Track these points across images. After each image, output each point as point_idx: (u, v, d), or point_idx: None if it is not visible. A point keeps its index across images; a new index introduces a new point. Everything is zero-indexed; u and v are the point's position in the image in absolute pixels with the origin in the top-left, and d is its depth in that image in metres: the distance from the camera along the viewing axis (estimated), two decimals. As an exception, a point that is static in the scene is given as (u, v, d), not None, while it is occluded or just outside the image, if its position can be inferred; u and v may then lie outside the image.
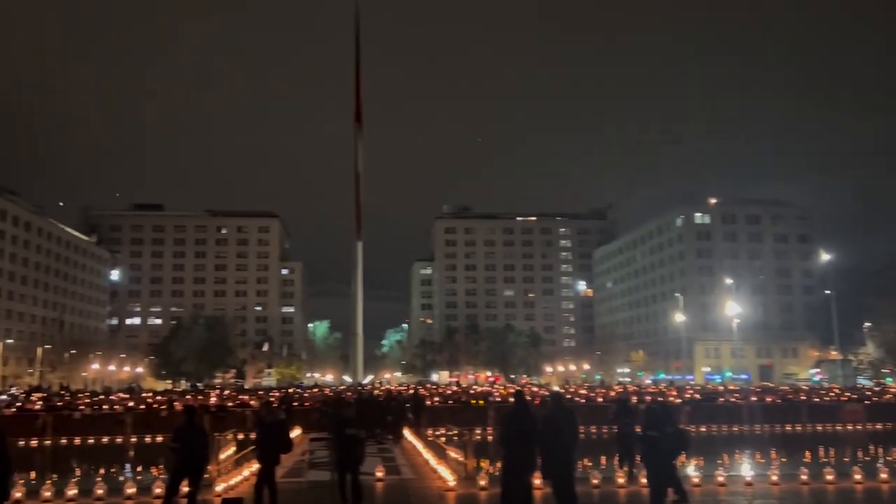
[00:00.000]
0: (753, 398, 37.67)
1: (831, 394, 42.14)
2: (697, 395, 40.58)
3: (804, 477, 14.94)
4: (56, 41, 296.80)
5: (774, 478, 14.93)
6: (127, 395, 43.66)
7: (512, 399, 32.84)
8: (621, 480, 14.74)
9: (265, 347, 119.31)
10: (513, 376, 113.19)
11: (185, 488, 12.29)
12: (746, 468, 16.77)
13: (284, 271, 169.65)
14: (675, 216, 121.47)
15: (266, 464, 11.50)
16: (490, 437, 27.46)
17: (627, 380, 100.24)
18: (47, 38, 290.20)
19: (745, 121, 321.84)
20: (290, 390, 49.19)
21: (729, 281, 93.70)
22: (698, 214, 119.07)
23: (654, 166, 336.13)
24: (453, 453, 17.26)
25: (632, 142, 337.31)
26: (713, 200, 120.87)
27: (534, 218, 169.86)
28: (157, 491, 13.32)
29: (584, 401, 36.43)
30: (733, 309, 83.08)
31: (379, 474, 16.15)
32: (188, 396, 41.21)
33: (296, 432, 25.06)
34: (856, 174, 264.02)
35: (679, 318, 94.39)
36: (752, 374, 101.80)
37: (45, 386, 69.94)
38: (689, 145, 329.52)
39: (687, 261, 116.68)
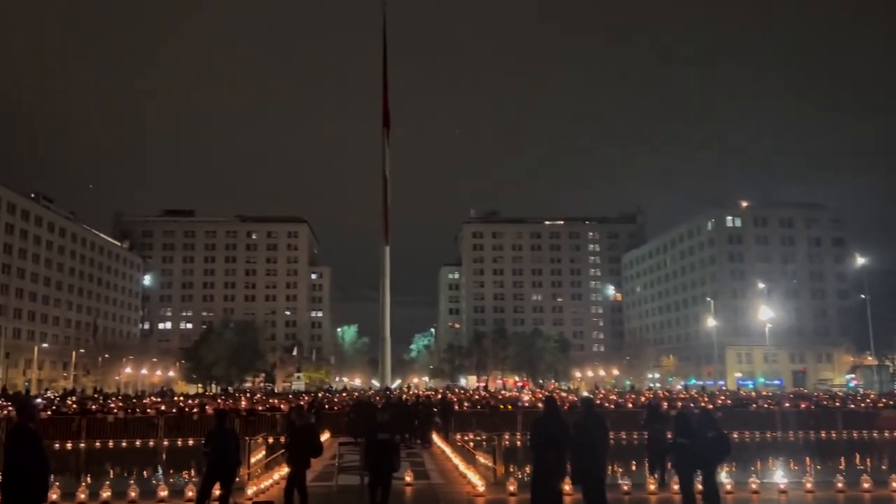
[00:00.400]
0: (787, 404, 37.03)
1: (867, 400, 41.32)
2: (729, 401, 40.05)
3: (840, 485, 14.66)
4: (81, 46, 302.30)
5: (809, 486, 14.68)
6: (159, 399, 44.21)
7: (541, 404, 32.68)
8: (652, 487, 14.59)
9: (294, 352, 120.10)
10: (541, 381, 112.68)
11: (216, 492, 12.40)
12: (780, 476, 16.50)
13: (313, 276, 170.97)
14: (706, 219, 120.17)
15: (296, 467, 11.55)
16: (519, 443, 27.34)
17: (658, 385, 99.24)
18: (74, 42, 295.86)
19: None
20: (320, 394, 49.45)
21: (761, 285, 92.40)
22: (729, 217, 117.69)
23: (683, 169, 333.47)
24: (482, 458, 17.23)
25: (660, 144, 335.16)
26: (744, 203, 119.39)
27: (561, 222, 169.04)
28: (189, 494, 13.46)
29: (613, 406, 36.11)
30: (766, 313, 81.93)
31: (408, 479, 16.15)
32: (219, 400, 41.62)
33: (325, 436, 25.17)
34: (891, 175, 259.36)
35: (710, 322, 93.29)
36: (785, 379, 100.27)
37: (78, 389, 71.12)
38: (709, 146, 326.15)
39: (718, 265, 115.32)
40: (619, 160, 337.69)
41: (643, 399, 40.95)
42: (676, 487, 14.54)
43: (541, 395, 43.53)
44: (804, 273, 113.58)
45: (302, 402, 35.74)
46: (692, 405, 35.76)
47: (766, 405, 36.84)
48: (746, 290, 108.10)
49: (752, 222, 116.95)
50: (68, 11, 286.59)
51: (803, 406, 36.69)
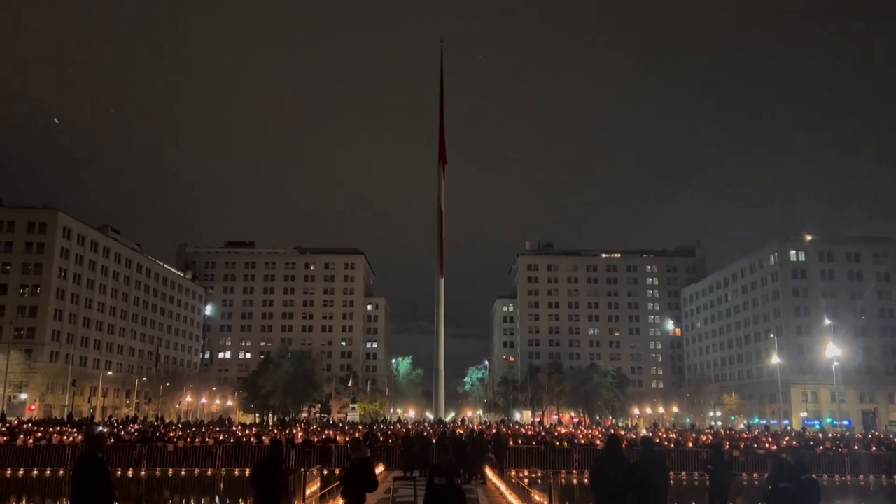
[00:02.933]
0: (856, 446, 35.52)
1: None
2: (795, 442, 38.61)
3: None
4: (147, 81, 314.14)
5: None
6: (218, 428, 44.91)
7: (599, 442, 32.02)
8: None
9: (350, 382, 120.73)
10: (598, 417, 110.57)
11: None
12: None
13: (369, 307, 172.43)
14: (769, 253, 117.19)
15: (351, 501, 11.56)
16: (575, 481, 26.83)
17: (719, 424, 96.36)
18: (143, 76, 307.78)
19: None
20: (374, 426, 49.53)
21: (827, 321, 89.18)
22: (793, 251, 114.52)
23: (746, 203, 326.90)
24: (537, 496, 16.93)
25: (720, 177, 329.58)
26: (809, 237, 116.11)
27: (618, 255, 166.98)
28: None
29: (673, 445, 35.17)
30: (833, 351, 78.74)
31: (462, 516, 15.96)
32: (275, 431, 42.06)
33: (379, 469, 25.15)
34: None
35: (774, 359, 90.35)
36: (854, 420, 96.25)
37: (140, 417, 72.74)
38: (781, 179, 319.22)
39: (782, 300, 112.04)
40: (679, 193, 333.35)
41: (703, 438, 39.82)
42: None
43: (597, 433, 42.73)
44: (873, 310, 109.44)
45: (357, 435, 35.85)
46: (755, 445, 34.61)
47: (834, 447, 35.37)
48: (811, 326, 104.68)
49: (818, 257, 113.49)
50: (130, 43, 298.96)
51: (874, 449, 35.11)
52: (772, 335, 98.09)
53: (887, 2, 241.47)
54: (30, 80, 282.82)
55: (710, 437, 40.40)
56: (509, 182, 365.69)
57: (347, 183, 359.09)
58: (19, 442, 31.81)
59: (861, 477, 28.29)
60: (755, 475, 26.99)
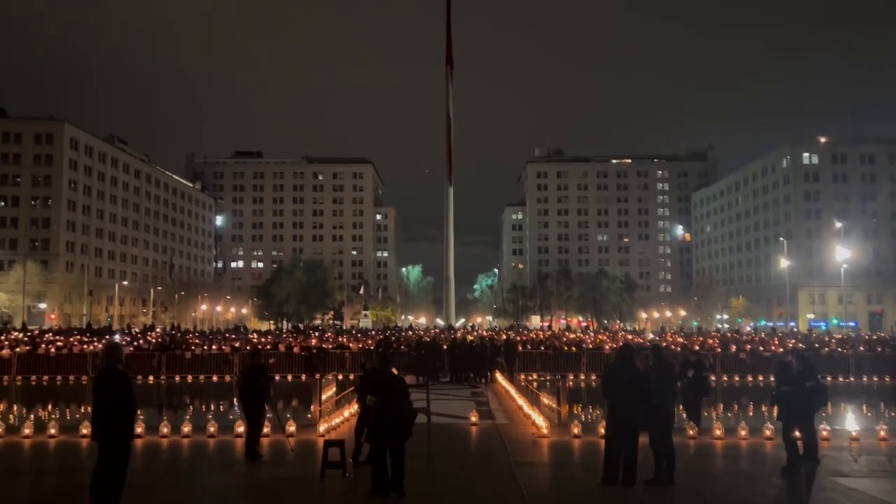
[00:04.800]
0: (862, 348, 35.97)
1: (949, 344, 39.68)
2: (801, 345, 39.12)
3: (916, 433, 14.31)
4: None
5: (883, 433, 14.34)
6: (234, 336, 45.94)
7: (608, 348, 32.55)
8: (718, 432, 14.48)
9: (361, 290, 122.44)
10: (606, 322, 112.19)
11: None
12: (852, 422, 16.16)
13: (378, 216, 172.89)
14: (781, 156, 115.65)
15: (365, 407, 11.87)
16: (583, 384, 27.48)
17: (726, 326, 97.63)
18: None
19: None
20: (388, 333, 50.48)
21: (838, 224, 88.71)
22: (806, 154, 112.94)
23: (758, 104, 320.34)
24: (546, 399, 17.36)
25: (733, 78, 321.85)
26: (823, 139, 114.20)
27: (629, 160, 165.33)
28: (265, 430, 14.04)
29: (679, 349, 35.74)
30: (842, 253, 78.58)
31: (473, 419, 16.46)
32: (290, 338, 42.95)
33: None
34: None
35: (783, 263, 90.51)
36: (860, 322, 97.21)
37: (158, 326, 74.31)
38: (796, 81, 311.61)
39: (793, 203, 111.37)
40: (691, 96, 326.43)
41: (710, 341, 40.39)
42: (719, 432, 14.47)
43: (605, 338, 43.43)
44: (885, 212, 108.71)
45: (370, 343, 36.61)
46: (762, 347, 35.12)
47: (839, 349, 35.83)
48: (822, 229, 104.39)
49: (831, 159, 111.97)
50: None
51: (879, 350, 35.57)
52: (781, 239, 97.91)
53: None
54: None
55: (717, 340, 40.99)
56: (520, 88, 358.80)
57: (357, 92, 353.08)
58: (41, 351, 32.68)
59: (865, 378, 28.79)
60: (760, 378, 27.53)
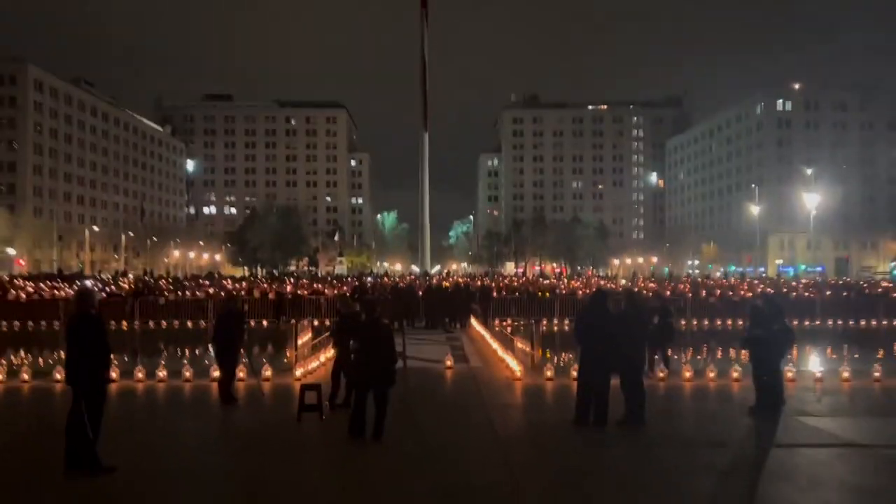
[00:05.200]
0: (828, 292, 36.73)
1: (911, 289, 40.67)
2: (770, 290, 39.86)
3: (877, 374, 14.72)
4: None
5: (846, 375, 14.75)
6: (207, 283, 45.68)
7: (580, 294, 32.88)
8: (687, 374, 14.81)
9: (336, 237, 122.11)
10: (580, 268, 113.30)
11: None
12: (816, 364, 16.59)
13: (353, 162, 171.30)
14: (755, 103, 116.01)
15: (341, 352, 11.95)
16: (556, 329, 27.83)
17: (696, 272, 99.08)
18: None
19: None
20: (363, 279, 50.57)
21: (808, 171, 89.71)
22: (780, 101, 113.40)
23: (735, 50, 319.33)
24: (520, 344, 17.57)
25: (710, 21, 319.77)
26: (796, 86, 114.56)
27: (605, 107, 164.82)
28: (241, 375, 14.09)
29: (651, 294, 36.25)
30: (811, 199, 79.65)
31: (448, 363, 16.65)
32: (264, 283, 42.85)
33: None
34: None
35: (754, 209, 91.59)
36: (827, 267, 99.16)
37: (130, 272, 73.66)
38: (774, 24, 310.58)
39: (765, 150, 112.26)
40: (668, 42, 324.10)
41: (681, 286, 41.02)
42: (688, 374, 14.81)
43: (578, 284, 43.89)
44: (854, 158, 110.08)
45: (345, 289, 36.64)
46: (731, 292, 35.75)
47: (806, 293, 36.57)
48: (793, 176, 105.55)
49: (804, 106, 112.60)
50: None
51: (844, 294, 36.33)
52: (753, 185, 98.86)
53: None
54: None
55: (688, 286, 41.61)
56: (495, 32, 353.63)
57: (330, 35, 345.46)
58: (11, 297, 32.26)
59: (830, 322, 29.47)
60: (729, 322, 28.04)
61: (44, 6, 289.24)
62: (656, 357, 15.33)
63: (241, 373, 13.79)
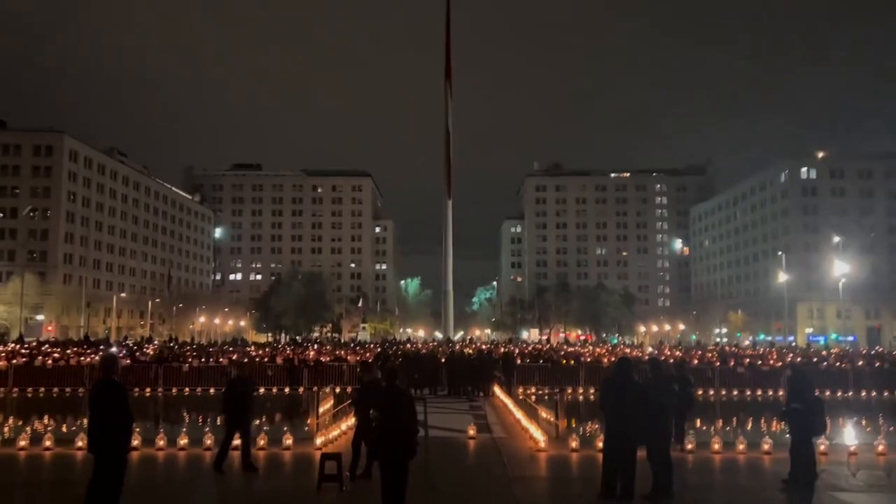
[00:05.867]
0: (860, 362, 35.93)
1: (947, 360, 39.59)
2: (799, 359, 39.05)
3: (914, 448, 14.27)
4: (149, 5, 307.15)
5: (881, 447, 14.30)
6: (231, 349, 45.79)
7: (606, 361, 32.46)
8: (717, 447, 14.43)
9: (360, 303, 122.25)
10: (605, 335, 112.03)
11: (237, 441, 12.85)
12: (851, 437, 16.12)
13: (377, 229, 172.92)
14: (780, 171, 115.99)
15: (362, 420, 11.84)
16: (581, 398, 27.42)
17: (724, 340, 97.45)
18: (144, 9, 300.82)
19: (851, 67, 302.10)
20: (385, 346, 50.34)
21: (836, 238, 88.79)
22: (804, 169, 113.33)
23: (757, 120, 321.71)
24: (544, 413, 17.32)
25: (732, 93, 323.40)
26: (820, 154, 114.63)
27: (627, 174, 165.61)
28: (262, 443, 13.98)
29: (671, 361, 35.64)
30: (840, 267, 78.58)
31: (471, 432, 16.41)
32: (288, 350, 42.81)
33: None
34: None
35: (781, 277, 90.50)
36: (859, 336, 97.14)
37: (156, 339, 74.08)
38: (793, 95, 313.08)
39: (791, 218, 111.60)
40: (690, 113, 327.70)
41: (708, 355, 40.30)
42: (718, 446, 14.41)
43: (603, 351, 43.35)
44: (882, 227, 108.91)
45: (368, 356, 36.47)
46: (761, 361, 35.05)
47: (838, 363, 35.77)
48: (820, 244, 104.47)
49: (829, 174, 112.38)
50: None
51: (877, 365, 35.50)
52: (780, 253, 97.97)
53: None
54: (32, 4, 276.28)
55: (715, 355, 40.88)
56: (518, 102, 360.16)
57: (356, 105, 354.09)
58: (38, 362, 32.57)
59: (863, 393, 28.73)
60: (758, 392, 27.47)
61: (81, 77, 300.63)
62: (677, 426, 14.96)
63: (261, 440, 13.68)
